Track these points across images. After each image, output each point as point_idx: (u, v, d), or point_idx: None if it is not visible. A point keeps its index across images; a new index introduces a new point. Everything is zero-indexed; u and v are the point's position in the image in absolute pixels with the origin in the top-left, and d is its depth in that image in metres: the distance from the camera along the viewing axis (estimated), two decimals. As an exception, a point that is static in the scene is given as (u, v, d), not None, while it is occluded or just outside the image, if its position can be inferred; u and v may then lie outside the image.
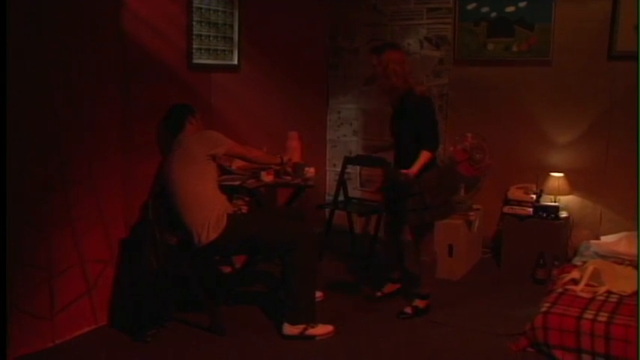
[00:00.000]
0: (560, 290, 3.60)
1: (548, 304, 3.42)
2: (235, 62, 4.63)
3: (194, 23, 4.20)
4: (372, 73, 3.76)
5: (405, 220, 3.79)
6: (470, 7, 5.05)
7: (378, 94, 5.27)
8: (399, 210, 3.80)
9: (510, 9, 4.89)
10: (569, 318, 3.24)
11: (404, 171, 3.57)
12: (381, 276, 4.40)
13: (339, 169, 5.29)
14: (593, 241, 4.53)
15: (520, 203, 4.72)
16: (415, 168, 3.56)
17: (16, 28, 3.01)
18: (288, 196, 4.75)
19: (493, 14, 4.96)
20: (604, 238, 4.57)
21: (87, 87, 3.45)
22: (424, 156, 3.59)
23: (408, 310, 3.88)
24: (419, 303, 3.90)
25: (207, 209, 3.57)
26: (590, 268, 3.72)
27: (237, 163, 4.42)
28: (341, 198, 5.19)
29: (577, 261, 4.18)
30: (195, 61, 4.23)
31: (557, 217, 4.63)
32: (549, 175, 4.79)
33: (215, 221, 3.55)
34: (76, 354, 3.35)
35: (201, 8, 4.26)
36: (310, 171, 4.47)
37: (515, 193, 4.79)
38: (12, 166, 2.98)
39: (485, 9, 4.99)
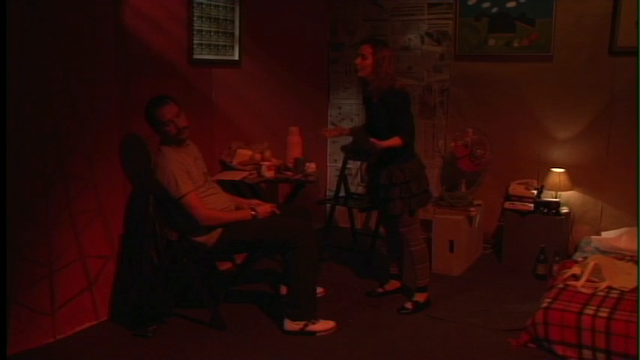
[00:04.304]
0: (561, 286, 3.60)
1: (549, 300, 3.42)
2: (236, 57, 4.63)
3: (195, 18, 4.20)
4: (359, 62, 3.70)
5: (390, 208, 3.78)
6: (471, 2, 5.04)
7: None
8: (384, 200, 3.81)
9: (511, 4, 4.88)
10: (570, 313, 3.24)
11: (372, 139, 3.61)
12: (382, 272, 4.40)
13: (339, 164, 5.28)
14: (594, 237, 4.54)
15: (521, 199, 4.72)
16: (384, 143, 3.60)
17: (15, 24, 3.00)
18: (289, 191, 4.75)
19: (494, 10, 4.96)
20: (605, 234, 4.57)
21: (86, 82, 3.46)
22: (396, 140, 3.63)
23: (409, 305, 3.89)
24: (419, 297, 3.91)
25: None
26: (591, 264, 3.72)
27: (238, 159, 4.42)
28: (342, 194, 5.19)
29: (578, 257, 4.18)
30: (195, 56, 4.23)
31: (558, 213, 4.63)
32: (550, 170, 4.78)
33: (210, 228, 3.55)
34: (77, 349, 3.35)
35: (201, 3, 4.26)
36: (311, 166, 4.47)
37: (516, 188, 4.79)
38: (12, 160, 2.98)
39: (486, 4, 4.98)
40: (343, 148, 4.24)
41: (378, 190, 3.84)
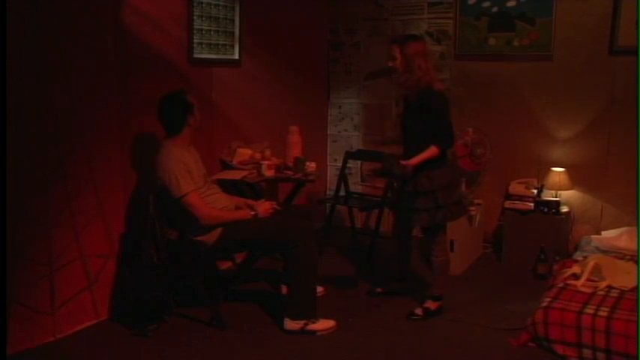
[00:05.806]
0: (561, 285, 3.60)
1: (549, 299, 3.42)
2: (236, 57, 4.63)
3: (195, 17, 4.20)
4: (392, 64, 3.61)
5: (416, 220, 3.69)
6: (471, 1, 5.04)
7: (379, 88, 5.33)
8: (409, 209, 3.69)
9: (511, 4, 4.88)
10: (570, 313, 3.25)
11: (402, 162, 3.49)
12: (382, 271, 4.40)
13: (340, 164, 5.29)
14: (594, 236, 4.54)
15: (521, 198, 4.72)
16: (415, 160, 3.48)
17: (15, 24, 3.00)
18: (289, 190, 4.75)
19: (494, 9, 4.95)
20: (605, 233, 4.57)
21: (86, 82, 3.45)
22: (431, 151, 3.49)
23: (419, 311, 3.81)
24: (430, 304, 3.82)
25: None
26: (591, 263, 3.72)
27: (239, 158, 4.42)
28: (342, 193, 5.19)
29: (578, 256, 4.18)
30: (195, 55, 4.23)
31: (558, 212, 4.63)
32: (550, 169, 4.78)
33: (210, 227, 3.54)
34: (77, 348, 3.36)
35: (202, 2, 4.26)
36: (311, 166, 4.47)
37: (516, 187, 4.79)
38: (12, 160, 2.98)
39: (486, 4, 4.98)
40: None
41: (403, 197, 3.71)
